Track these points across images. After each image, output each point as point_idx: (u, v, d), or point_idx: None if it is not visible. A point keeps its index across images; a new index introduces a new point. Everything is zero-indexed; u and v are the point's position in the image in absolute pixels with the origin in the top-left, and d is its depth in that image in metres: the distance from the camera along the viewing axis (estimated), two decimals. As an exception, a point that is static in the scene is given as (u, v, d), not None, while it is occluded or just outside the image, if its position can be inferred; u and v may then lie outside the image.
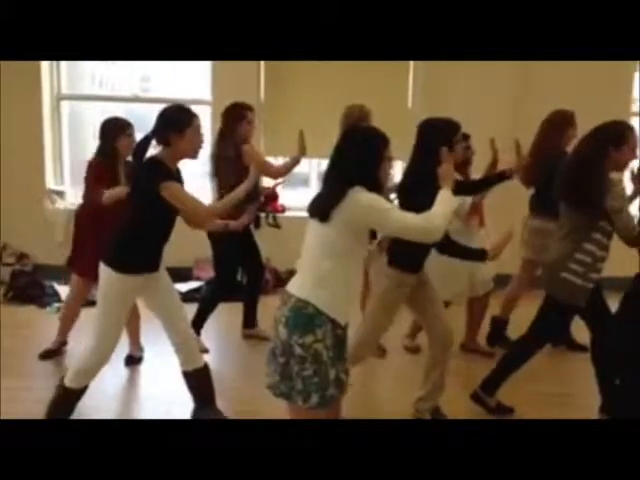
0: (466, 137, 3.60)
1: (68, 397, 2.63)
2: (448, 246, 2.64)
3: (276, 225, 5.30)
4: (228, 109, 3.75)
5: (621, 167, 2.79)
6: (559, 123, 3.74)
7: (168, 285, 2.73)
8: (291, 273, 6.09)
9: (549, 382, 3.60)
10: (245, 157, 3.57)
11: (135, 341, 3.68)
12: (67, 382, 2.61)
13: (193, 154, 2.54)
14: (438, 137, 2.61)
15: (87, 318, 3.89)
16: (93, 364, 2.59)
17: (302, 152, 3.67)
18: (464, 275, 3.69)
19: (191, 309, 3.72)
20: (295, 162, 3.72)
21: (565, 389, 3.49)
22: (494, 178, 3.38)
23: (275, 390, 2.06)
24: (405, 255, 2.67)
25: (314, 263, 2.03)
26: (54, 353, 3.68)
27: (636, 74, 5.42)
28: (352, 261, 2.04)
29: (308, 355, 1.96)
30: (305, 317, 1.97)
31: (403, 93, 5.38)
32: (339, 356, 2.06)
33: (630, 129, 2.79)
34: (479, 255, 2.70)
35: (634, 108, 5.38)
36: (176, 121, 2.46)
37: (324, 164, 2.21)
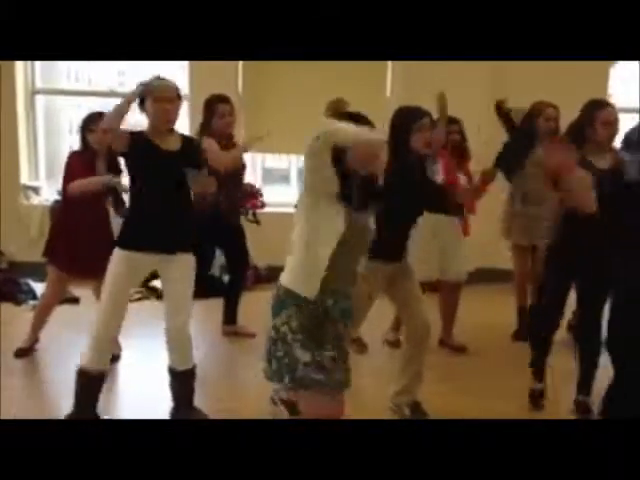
0: (453, 121, 3.66)
1: (88, 383, 2.61)
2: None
3: (256, 221, 5.28)
4: (204, 102, 3.77)
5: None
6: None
7: (179, 277, 2.66)
8: (271, 270, 6.09)
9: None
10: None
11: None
12: (83, 363, 2.60)
13: (156, 123, 2.54)
14: (399, 123, 2.73)
15: (63, 315, 3.85)
16: (100, 341, 2.58)
17: (249, 146, 3.69)
18: (434, 254, 3.69)
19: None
20: (242, 151, 3.70)
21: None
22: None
23: (264, 373, 2.12)
24: (382, 244, 2.66)
25: (292, 248, 2.07)
26: (27, 351, 3.61)
27: (610, 69, 5.50)
28: (318, 226, 2.00)
29: (278, 337, 2.03)
30: (276, 300, 2.06)
31: (381, 82, 5.38)
32: (316, 338, 2.04)
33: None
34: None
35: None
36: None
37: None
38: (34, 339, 3.67)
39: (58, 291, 3.61)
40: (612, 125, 2.86)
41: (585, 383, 3.06)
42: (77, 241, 3.41)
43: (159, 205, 2.58)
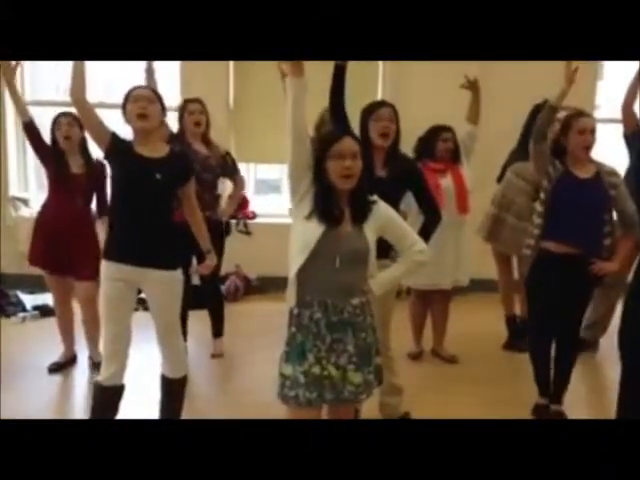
0: (447, 129, 3.71)
1: (103, 397, 2.57)
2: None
3: (246, 232, 5.28)
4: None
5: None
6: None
7: (164, 292, 2.59)
8: (262, 280, 6.08)
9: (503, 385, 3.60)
10: None
11: (95, 345, 3.59)
12: (98, 378, 2.57)
13: (133, 123, 2.53)
14: (361, 117, 2.79)
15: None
16: (108, 354, 2.54)
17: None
18: (442, 261, 3.60)
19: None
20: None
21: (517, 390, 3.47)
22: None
23: None
24: None
25: None
26: (62, 366, 3.62)
27: (597, 83, 5.57)
28: (295, 238, 2.07)
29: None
30: None
31: (373, 89, 5.40)
32: (302, 351, 2.02)
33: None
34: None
35: (597, 115, 5.51)
36: None
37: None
38: (68, 354, 3.68)
39: (62, 298, 3.61)
40: (588, 134, 2.88)
41: (559, 393, 3.10)
42: (54, 239, 3.45)
43: (134, 214, 2.52)
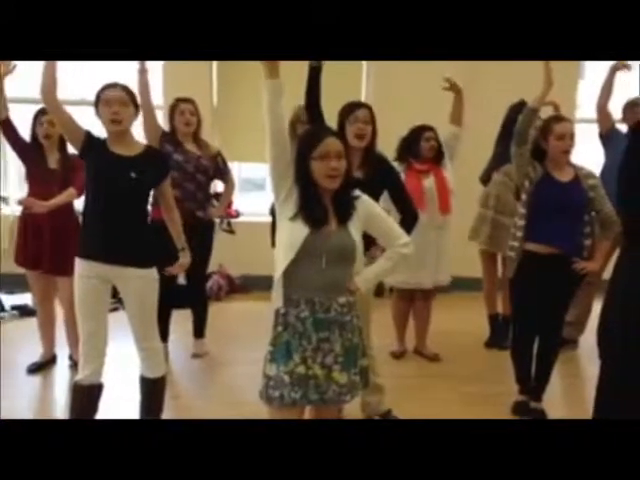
0: (429, 129, 3.72)
1: (82, 396, 2.56)
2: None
3: (230, 230, 5.27)
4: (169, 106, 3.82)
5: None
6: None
7: (138, 291, 2.57)
8: (245, 279, 6.04)
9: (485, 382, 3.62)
10: None
11: (76, 345, 3.57)
12: (77, 377, 2.55)
13: (106, 125, 2.50)
14: (339, 119, 2.78)
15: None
16: (86, 353, 2.53)
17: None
18: (425, 260, 3.65)
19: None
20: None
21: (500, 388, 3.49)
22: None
23: None
24: None
25: None
26: (41, 366, 3.59)
27: (579, 81, 5.63)
28: (280, 238, 2.06)
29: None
30: None
31: (356, 90, 5.42)
32: (287, 351, 2.01)
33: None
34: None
35: (578, 114, 5.58)
36: None
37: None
38: (47, 355, 3.65)
39: (43, 298, 3.59)
40: (567, 139, 2.93)
41: (539, 390, 3.15)
42: (35, 235, 3.43)
43: (108, 212, 2.50)
